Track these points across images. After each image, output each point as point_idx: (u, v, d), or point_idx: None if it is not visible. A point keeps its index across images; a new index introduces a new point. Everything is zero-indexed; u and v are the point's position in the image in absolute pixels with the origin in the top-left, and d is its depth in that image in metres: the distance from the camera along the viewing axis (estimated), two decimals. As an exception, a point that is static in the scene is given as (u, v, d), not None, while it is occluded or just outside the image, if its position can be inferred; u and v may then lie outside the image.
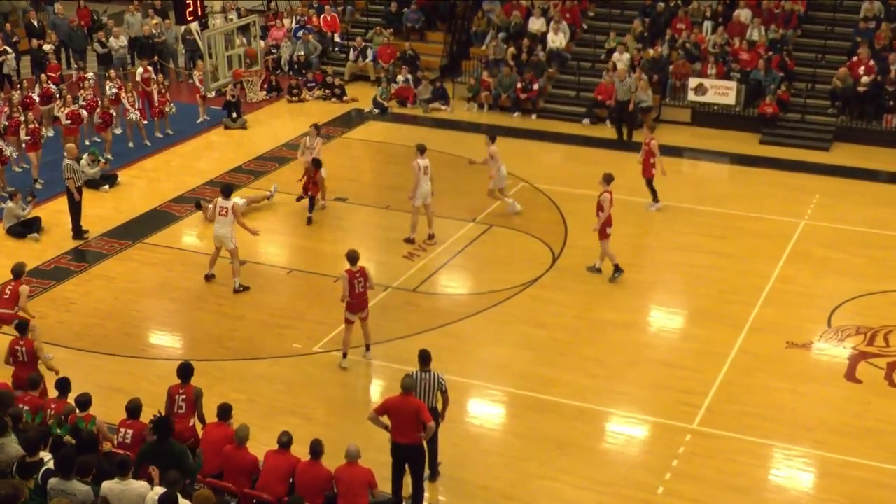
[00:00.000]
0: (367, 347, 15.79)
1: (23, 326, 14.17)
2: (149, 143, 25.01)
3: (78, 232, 19.98)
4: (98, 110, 23.96)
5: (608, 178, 18.01)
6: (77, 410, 12.11)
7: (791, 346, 16.10)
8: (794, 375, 15.37)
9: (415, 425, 12.10)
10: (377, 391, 15.47)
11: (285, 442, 11.63)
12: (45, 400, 12.73)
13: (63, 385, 12.63)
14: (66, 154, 20.03)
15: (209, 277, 18.32)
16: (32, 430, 11.33)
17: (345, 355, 15.57)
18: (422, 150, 19.46)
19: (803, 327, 16.56)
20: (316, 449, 11.46)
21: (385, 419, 12.32)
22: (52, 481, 10.25)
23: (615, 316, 17.05)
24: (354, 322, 15.51)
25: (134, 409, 12.10)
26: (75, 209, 19.89)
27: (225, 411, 12.09)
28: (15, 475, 10.44)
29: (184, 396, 12.40)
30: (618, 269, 17.97)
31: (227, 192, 18.31)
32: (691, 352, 16.08)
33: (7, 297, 15.76)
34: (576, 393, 14.93)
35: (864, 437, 13.96)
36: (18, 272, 16.02)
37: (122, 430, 12.03)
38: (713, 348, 16.05)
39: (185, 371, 12.61)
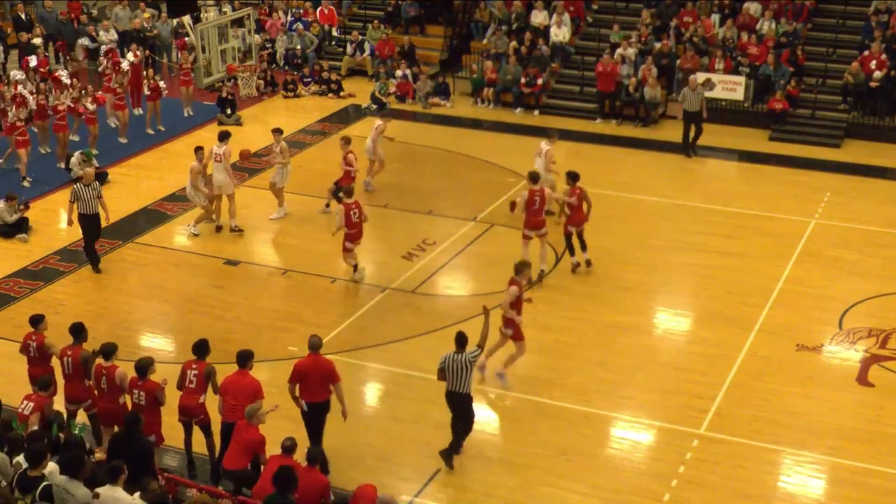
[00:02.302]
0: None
1: (36, 319, 13.75)
2: (125, 141, 24.58)
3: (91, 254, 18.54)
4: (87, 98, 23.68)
5: (573, 176, 17.74)
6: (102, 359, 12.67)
7: (801, 349, 15.91)
8: (805, 379, 15.20)
9: (325, 384, 12.67)
10: (374, 395, 15.33)
11: (288, 447, 11.46)
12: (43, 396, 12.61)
13: (77, 330, 13.16)
14: (82, 177, 18.50)
15: (220, 228, 19.64)
16: (34, 440, 11.12)
17: (355, 268, 17.69)
18: (551, 135, 20.28)
19: (814, 329, 16.40)
20: (313, 456, 11.32)
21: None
22: (59, 479, 10.30)
23: (621, 318, 16.83)
24: (352, 250, 17.47)
25: (142, 367, 12.45)
26: (84, 235, 18.42)
27: (244, 358, 12.55)
28: (15, 489, 10.44)
29: (195, 372, 12.81)
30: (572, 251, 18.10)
31: (223, 137, 19.33)
32: (699, 355, 15.90)
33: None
34: (580, 397, 14.76)
35: (877, 443, 13.79)
36: (519, 267, 14.69)
37: (136, 391, 12.42)
38: (721, 351, 15.87)
39: (201, 348, 12.96)
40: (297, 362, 12.84)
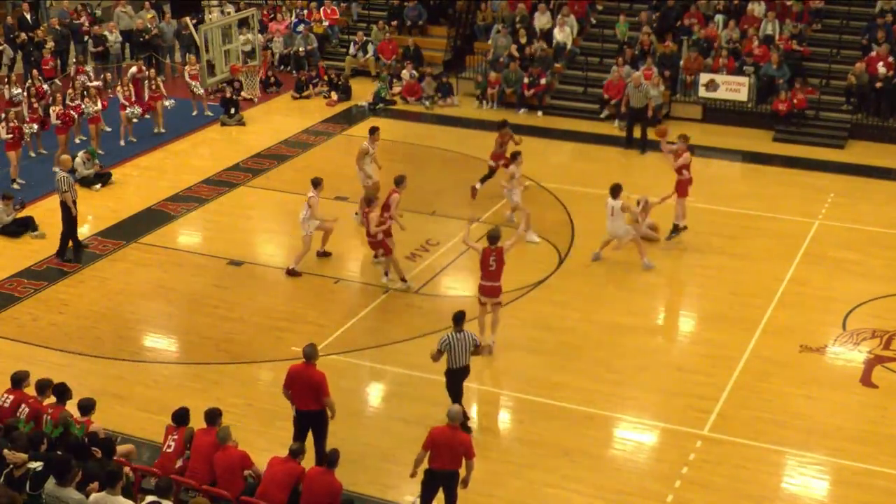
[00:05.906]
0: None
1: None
2: (134, 140, 24.54)
3: (63, 250, 18.62)
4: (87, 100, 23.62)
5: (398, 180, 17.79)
6: (79, 414, 12.04)
7: (805, 350, 15.84)
8: (809, 380, 15.14)
9: (316, 395, 12.57)
10: (376, 395, 15.32)
11: (295, 450, 11.51)
12: (39, 401, 12.41)
13: (61, 391, 12.36)
14: (59, 166, 18.75)
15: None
16: (22, 439, 11.01)
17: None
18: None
19: (818, 330, 16.34)
20: (332, 458, 11.28)
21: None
22: (48, 486, 10.11)
23: (624, 319, 16.79)
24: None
25: (180, 416, 12.09)
26: (71, 226, 18.59)
27: (213, 416, 12.01)
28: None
29: None
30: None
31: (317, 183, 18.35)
32: (702, 356, 15.85)
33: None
34: (584, 398, 14.72)
35: (880, 444, 13.74)
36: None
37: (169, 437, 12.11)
38: (725, 352, 15.82)
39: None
40: (290, 367, 12.89)
